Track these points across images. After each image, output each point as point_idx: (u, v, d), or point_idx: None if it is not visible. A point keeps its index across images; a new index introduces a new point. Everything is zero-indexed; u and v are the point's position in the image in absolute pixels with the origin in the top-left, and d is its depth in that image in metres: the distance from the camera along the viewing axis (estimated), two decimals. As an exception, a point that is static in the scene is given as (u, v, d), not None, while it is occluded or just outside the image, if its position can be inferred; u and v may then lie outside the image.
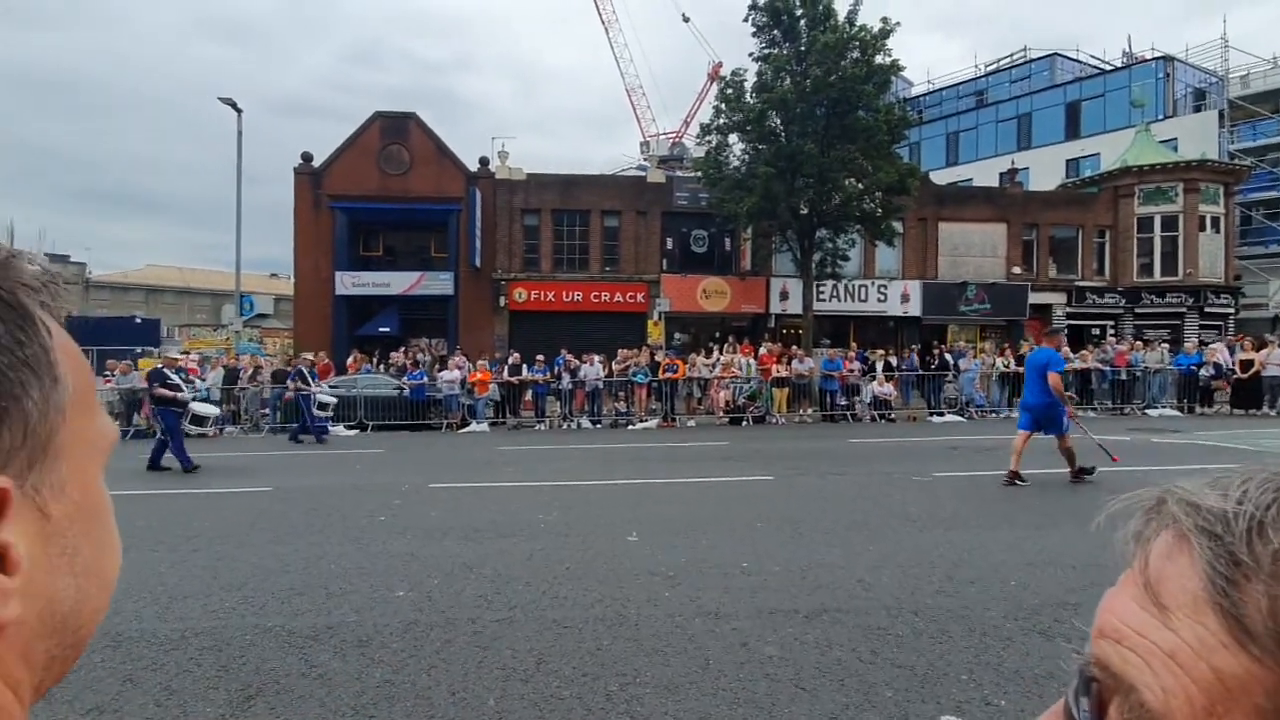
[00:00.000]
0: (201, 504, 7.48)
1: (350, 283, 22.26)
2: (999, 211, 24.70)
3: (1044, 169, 30.58)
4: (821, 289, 22.04)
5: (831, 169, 18.24)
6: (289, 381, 13.58)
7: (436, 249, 23.31)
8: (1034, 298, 24.24)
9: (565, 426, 15.07)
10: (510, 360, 15.88)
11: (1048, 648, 3.60)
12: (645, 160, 42.55)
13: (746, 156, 19.99)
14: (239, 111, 19.22)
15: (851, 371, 16.32)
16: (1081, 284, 24.88)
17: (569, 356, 15.70)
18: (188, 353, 20.36)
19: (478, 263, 22.17)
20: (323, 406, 13.45)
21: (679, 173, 31.38)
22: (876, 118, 18.39)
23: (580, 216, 23.17)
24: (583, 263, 23.18)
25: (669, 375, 15.30)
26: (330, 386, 15.27)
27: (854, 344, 21.00)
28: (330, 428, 13.62)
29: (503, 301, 22.48)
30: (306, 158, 22.56)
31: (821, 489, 8.03)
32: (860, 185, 19.26)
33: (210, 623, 4.21)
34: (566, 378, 15.27)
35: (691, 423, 15.22)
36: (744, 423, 15.21)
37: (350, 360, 17.37)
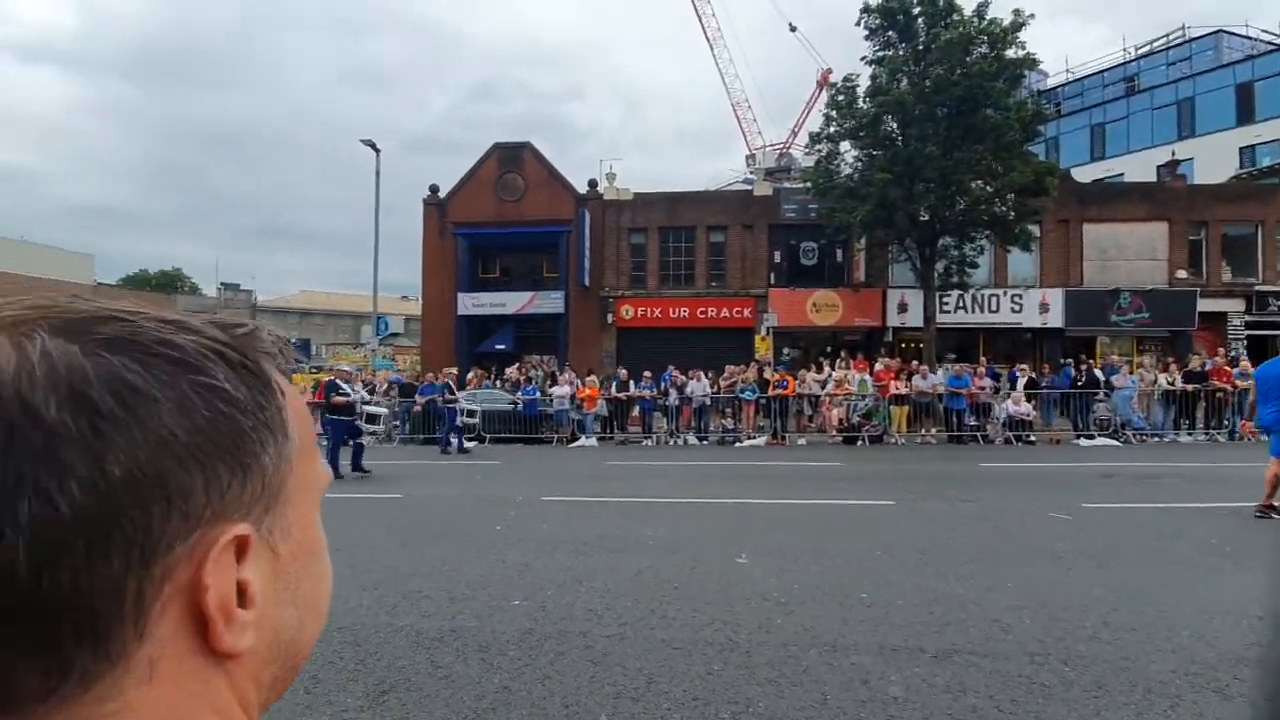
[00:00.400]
0: (341, 508, 8.20)
1: (470, 303, 23.76)
2: (1157, 209, 21.93)
3: (1211, 159, 26.91)
4: (945, 300, 20.64)
5: (955, 172, 17.11)
6: (439, 395, 14.36)
7: (548, 269, 24.36)
8: (1204, 305, 21.18)
9: (672, 442, 15.09)
10: (618, 376, 16.19)
11: (1225, 709, 3.09)
12: (751, 173, 42.15)
13: (859, 164, 19.25)
14: (377, 151, 21.23)
15: (982, 389, 15.07)
16: (1262, 288, 21.50)
17: (675, 373, 15.75)
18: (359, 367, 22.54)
19: (587, 281, 22.91)
20: (469, 415, 14.14)
21: (786, 184, 30.80)
22: (1007, 115, 17.07)
23: (686, 233, 23.33)
24: (688, 279, 23.28)
25: (779, 392, 14.92)
26: (445, 401, 16.32)
27: (983, 358, 19.43)
28: (454, 439, 14.30)
29: (610, 319, 23.03)
30: (433, 189, 24.47)
31: (949, 516, 7.43)
32: (989, 188, 17.90)
33: (349, 620, 4.57)
34: (673, 394, 15.32)
35: (802, 441, 14.72)
36: (859, 442, 14.49)
37: (470, 376, 18.47)
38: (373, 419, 11.11)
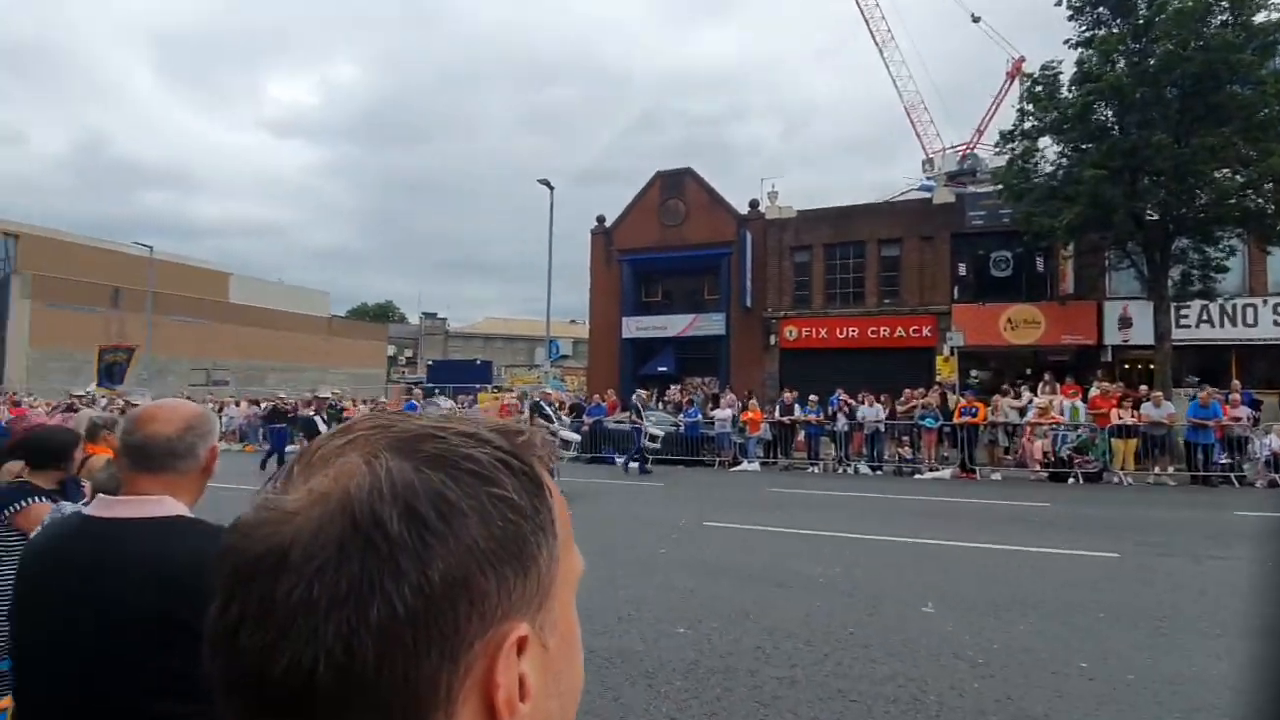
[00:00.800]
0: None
1: (634, 327, 24.62)
2: None
3: None
4: (1184, 312, 17.28)
5: (1194, 161, 14.31)
6: (627, 414, 14.66)
7: (709, 292, 24.49)
8: None
9: (841, 471, 14.20)
10: (783, 399, 15.66)
11: None
12: (929, 179, 39.04)
13: (1064, 160, 16.90)
14: (551, 189, 23.01)
15: (1236, 419, 12.29)
16: None
17: (845, 397, 14.86)
18: (536, 386, 24.53)
19: (748, 303, 22.64)
20: (653, 439, 14.03)
21: (972, 189, 28.04)
22: (1261, 89, 14.02)
23: (855, 249, 22.14)
24: (858, 297, 22.01)
25: (967, 419, 13.41)
26: (616, 422, 16.87)
27: (1236, 382, 15.89)
28: (635, 461, 14.22)
29: (773, 340, 22.48)
30: (600, 219, 25.88)
31: (1197, 577, 6.09)
32: (1239, 177, 14.76)
33: (526, 630, 4.83)
34: (842, 419, 14.44)
35: (996, 475, 13.05)
36: (1070, 480, 12.50)
37: (635, 397, 19.02)
38: (566, 444, 11.33)
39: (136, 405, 5.27)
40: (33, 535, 1.53)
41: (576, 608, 0.45)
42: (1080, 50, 16.24)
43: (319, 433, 6.81)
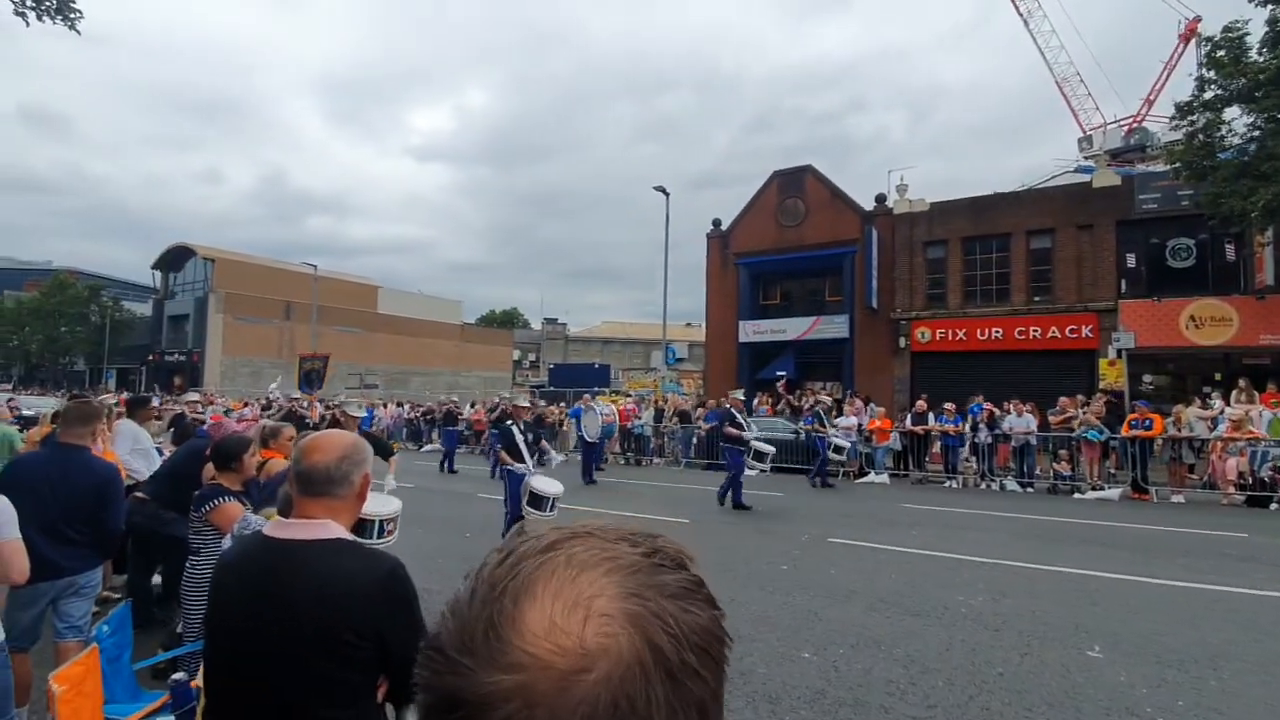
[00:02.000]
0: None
1: (751, 330, 24.12)
2: None
3: None
4: None
5: None
6: (809, 424, 13.62)
7: (831, 293, 23.44)
8: None
9: (984, 487, 12.94)
10: (915, 407, 14.58)
11: None
12: (1086, 160, 34.89)
13: (1256, 133, 14.38)
14: (667, 195, 23.14)
15: None
16: None
17: (987, 405, 13.55)
18: (650, 390, 24.89)
19: (874, 304, 21.40)
20: (838, 450, 12.88)
21: (1141, 169, 24.70)
22: None
23: (998, 242, 20.17)
24: (1002, 294, 20.04)
25: (1138, 433, 11.72)
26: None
27: None
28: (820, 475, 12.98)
29: (903, 343, 21.07)
30: (716, 223, 25.64)
31: None
32: None
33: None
34: (984, 429, 13.17)
35: (1178, 498, 11.28)
36: (1272, 505, 10.54)
37: (756, 402, 18.62)
38: (760, 456, 10.33)
39: (354, 415, 5.91)
40: (224, 548, 1.72)
41: None
42: (1272, 8, 13.76)
43: (515, 443, 7.29)
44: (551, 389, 34.21)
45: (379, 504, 4.64)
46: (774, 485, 13.05)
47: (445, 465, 15.22)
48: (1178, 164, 15.59)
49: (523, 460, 7.28)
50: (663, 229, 23.37)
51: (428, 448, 20.53)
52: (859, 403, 14.43)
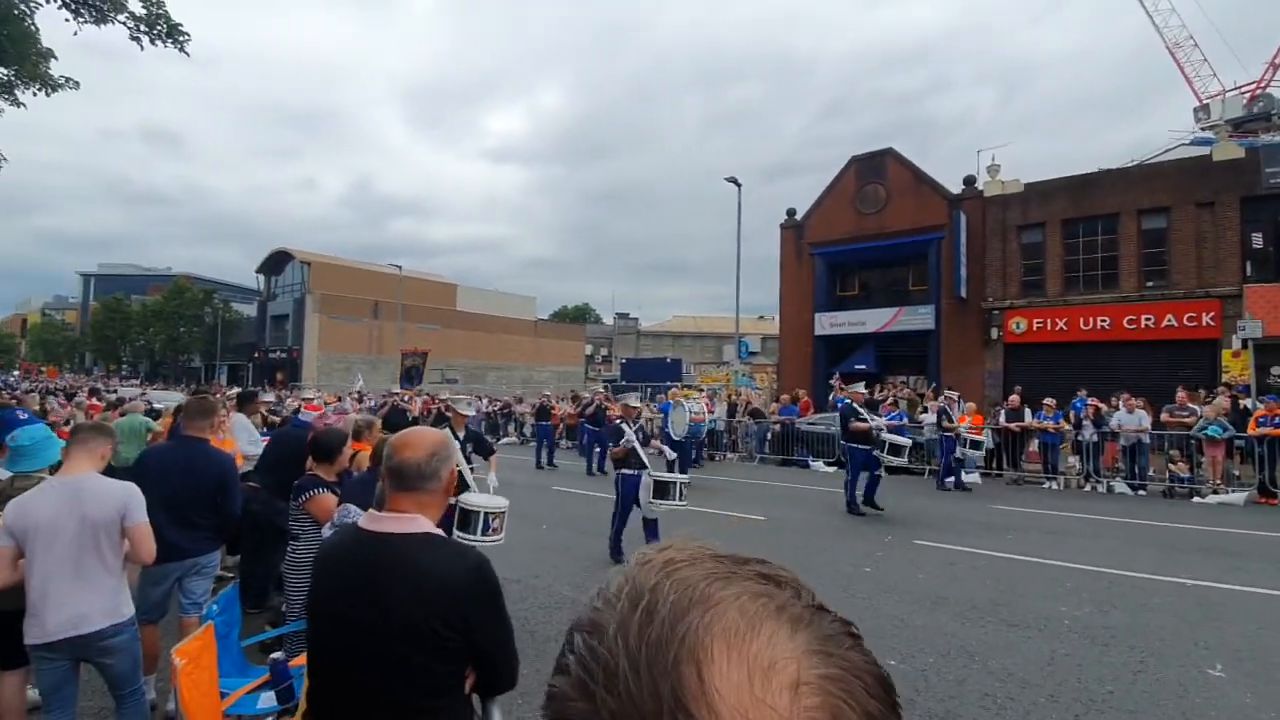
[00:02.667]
0: (704, 524, 8.72)
1: (828, 323, 23.36)
2: None
3: None
4: None
5: None
6: (939, 419, 12.35)
7: (915, 282, 22.33)
8: None
9: (1089, 489, 11.97)
10: (1008, 402, 13.67)
11: None
12: (1203, 130, 31.63)
13: None
14: (739, 186, 22.70)
15: None
16: None
17: (1092, 401, 12.53)
18: (722, 385, 24.70)
19: (963, 293, 20.23)
20: (975, 446, 11.94)
21: (1267, 139, 22.15)
22: None
23: (1104, 223, 18.58)
24: (1109, 280, 18.46)
25: (1267, 430, 10.50)
26: (809, 424, 16.09)
27: None
28: (951, 477, 11.97)
29: (995, 334, 19.81)
30: (790, 213, 24.97)
31: None
32: None
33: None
34: (1089, 427, 12.18)
35: (1318, 504, 10.06)
36: None
37: (831, 396, 18.05)
38: (896, 450, 9.49)
39: (462, 414, 6.19)
40: (324, 538, 1.81)
41: None
42: None
43: (630, 445, 6.75)
44: (624, 383, 34.49)
45: (485, 499, 4.65)
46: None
47: (543, 459, 14.97)
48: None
49: (640, 463, 6.80)
50: (735, 221, 23.00)
51: (505, 440, 21.14)
52: (945, 397, 13.46)
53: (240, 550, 5.52)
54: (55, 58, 9.96)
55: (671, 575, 0.43)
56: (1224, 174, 17.00)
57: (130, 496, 2.82)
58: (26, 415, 5.59)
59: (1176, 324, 17.10)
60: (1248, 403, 12.48)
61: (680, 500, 6.48)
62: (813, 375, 22.86)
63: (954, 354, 20.34)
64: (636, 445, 6.86)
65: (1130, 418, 11.87)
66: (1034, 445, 13.15)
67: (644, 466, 6.77)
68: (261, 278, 50.39)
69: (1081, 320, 18.42)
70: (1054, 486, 12.26)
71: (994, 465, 13.36)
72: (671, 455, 8.13)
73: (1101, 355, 17.77)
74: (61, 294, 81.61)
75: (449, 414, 8.19)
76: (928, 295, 21.34)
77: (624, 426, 6.97)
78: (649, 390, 26.87)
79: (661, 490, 6.51)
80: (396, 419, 12.23)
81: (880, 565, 6.63)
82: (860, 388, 10.36)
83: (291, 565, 3.59)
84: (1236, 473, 11.26)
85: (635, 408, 7.61)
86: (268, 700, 2.50)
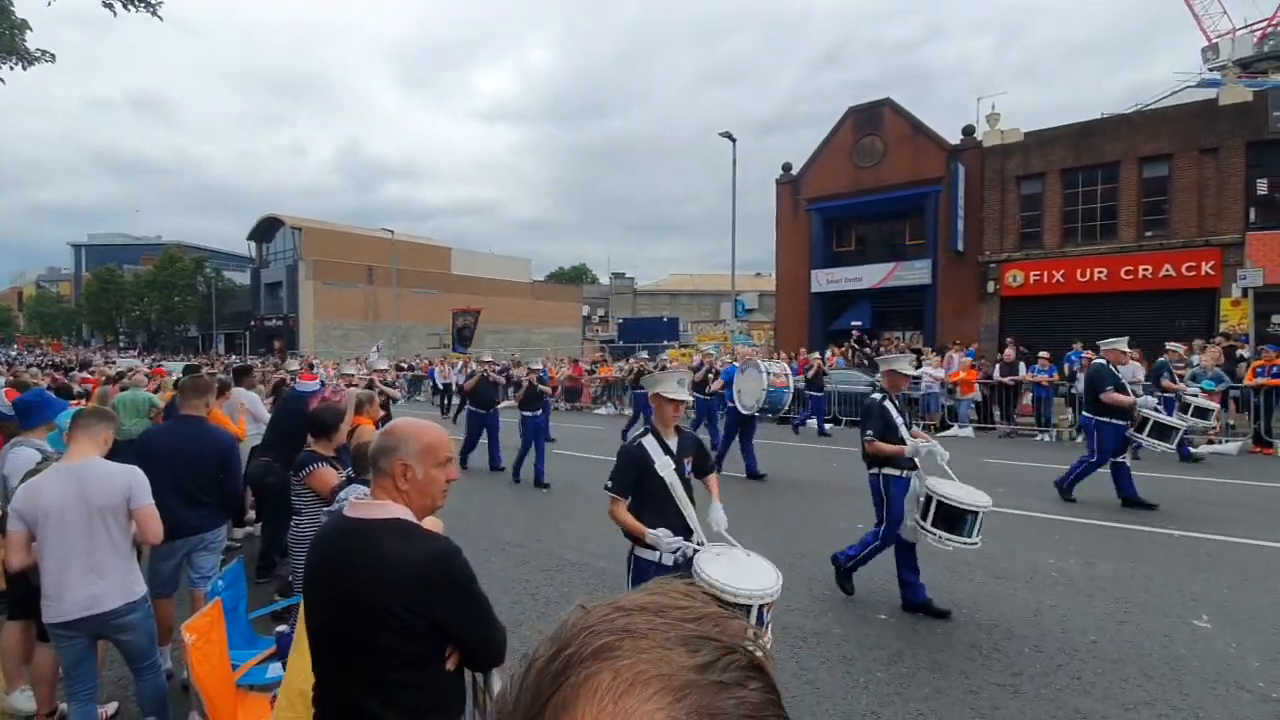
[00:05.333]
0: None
1: (824, 279, 23.26)
2: None
3: None
4: None
5: None
6: (1161, 379, 9.71)
7: (911, 236, 22.14)
8: None
9: (1081, 441, 12.17)
10: (1004, 355, 13.75)
11: None
12: (1211, 71, 30.81)
13: None
14: (733, 141, 22.27)
15: None
16: None
17: (1087, 353, 12.60)
18: (719, 344, 24.71)
19: (960, 246, 20.08)
20: (1202, 414, 8.84)
21: (1277, 80, 21.62)
22: None
23: (1104, 172, 18.31)
24: (1107, 230, 18.31)
25: (1264, 380, 10.61)
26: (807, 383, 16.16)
27: None
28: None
29: (992, 287, 19.76)
30: (786, 168, 24.56)
31: None
32: None
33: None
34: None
35: (1306, 451, 10.25)
36: None
37: (829, 355, 18.13)
38: (1202, 412, 7.79)
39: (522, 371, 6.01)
40: (324, 521, 1.89)
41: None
42: None
43: (896, 431, 4.53)
44: (621, 344, 34.54)
45: (968, 493, 4.27)
46: (849, 440, 12.76)
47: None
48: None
49: (910, 463, 4.70)
50: (730, 177, 22.65)
51: (505, 404, 21.19)
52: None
53: (263, 521, 5.70)
54: (30, 29, 9.66)
55: (600, 622, 0.44)
56: (1230, 118, 16.67)
57: (134, 479, 2.88)
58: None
59: (1175, 274, 17.04)
60: (1244, 352, 12.55)
61: (974, 539, 4.38)
62: (809, 332, 22.90)
63: (950, 308, 20.33)
64: (906, 436, 4.69)
65: (1126, 370, 11.93)
66: (1027, 399, 13.29)
67: (913, 467, 4.71)
68: (252, 245, 49.85)
69: (1079, 272, 18.35)
70: (1046, 439, 12.45)
71: (985, 418, 13.52)
72: (936, 448, 4.65)
73: (1098, 307, 17.77)
74: (54, 266, 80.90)
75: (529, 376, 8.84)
76: (924, 249, 21.21)
77: (887, 405, 4.79)
78: (636, 348, 26.87)
79: (950, 520, 4.38)
80: (487, 392, 10.09)
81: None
82: (1122, 344, 7.70)
83: (295, 539, 3.69)
84: (1232, 422, 11.41)
85: (905, 376, 5.03)
86: (276, 670, 2.62)
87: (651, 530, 3.09)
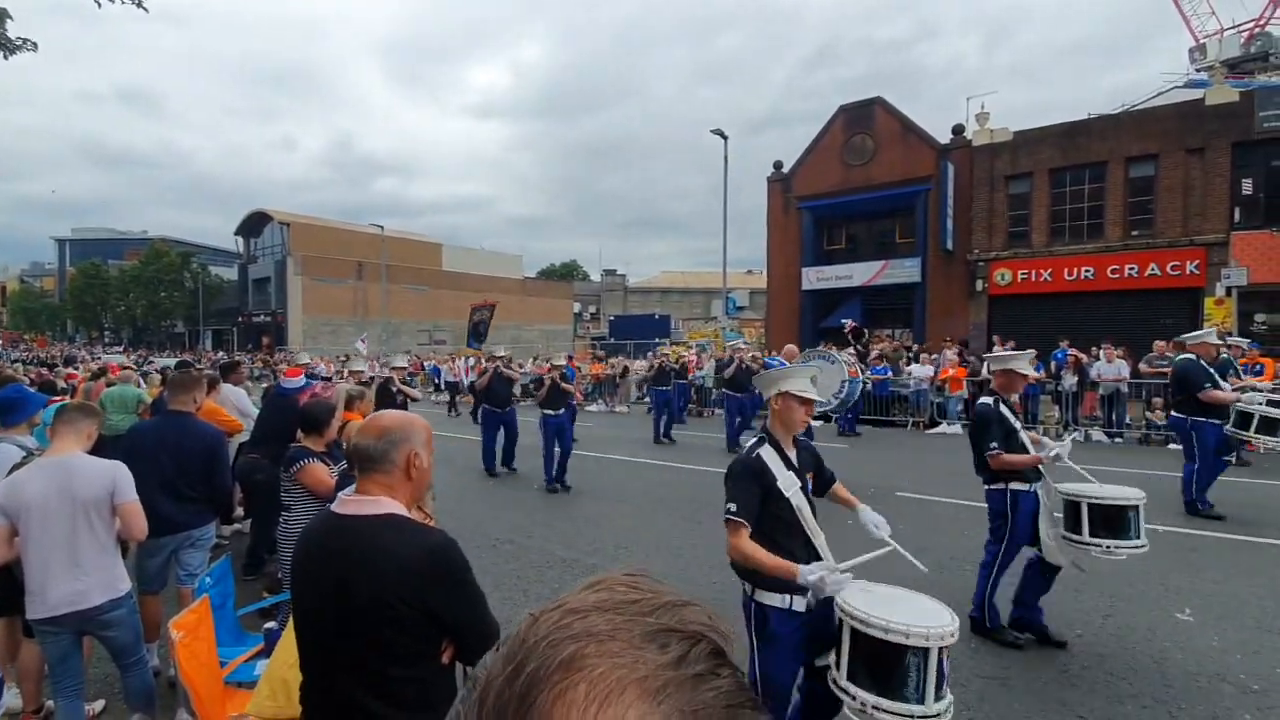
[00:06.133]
0: (694, 480, 8.90)
1: (815, 278, 23.34)
2: None
3: None
4: None
5: None
6: (1228, 376, 7.57)
7: (901, 234, 22.25)
8: None
9: (1067, 438, 12.28)
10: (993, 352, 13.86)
11: None
12: (1199, 72, 31.16)
13: None
14: (725, 138, 22.28)
15: None
16: None
17: (1073, 351, 12.74)
18: (709, 341, 24.75)
19: (949, 245, 20.20)
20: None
21: (1263, 80, 21.91)
22: None
23: (1091, 171, 18.47)
24: (1094, 230, 18.48)
25: (1245, 379, 10.74)
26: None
27: None
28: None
29: (980, 286, 19.90)
30: (777, 165, 24.60)
31: None
32: None
33: (714, 593, 4.92)
34: (1069, 376, 12.43)
35: (1287, 447, 10.39)
36: None
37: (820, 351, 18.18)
38: (1274, 426, 6.23)
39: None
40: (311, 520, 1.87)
41: None
42: None
43: (1015, 437, 3.79)
44: (612, 341, 34.53)
45: (1119, 490, 3.92)
46: (841, 438, 12.85)
47: (661, 432, 12.57)
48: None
49: (1037, 474, 4.13)
50: (721, 175, 22.66)
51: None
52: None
53: (252, 517, 5.66)
54: (11, 18, 9.48)
55: (556, 630, 0.41)
56: (1217, 119, 16.85)
57: (118, 474, 2.85)
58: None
59: (1160, 273, 17.24)
60: (1226, 353, 12.70)
61: (1139, 543, 3.88)
62: (800, 330, 22.98)
63: (939, 307, 20.46)
64: (1027, 442, 4.15)
65: (1110, 367, 12.10)
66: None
67: (1039, 477, 4.15)
68: (240, 240, 49.35)
69: (1066, 271, 18.52)
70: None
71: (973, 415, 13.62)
72: (1064, 448, 4.16)
73: (1084, 306, 17.95)
74: (38, 260, 79.75)
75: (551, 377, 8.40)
76: (914, 248, 21.31)
77: (1002, 410, 4.23)
78: (631, 347, 26.87)
79: (1110, 521, 3.88)
80: (502, 390, 9.64)
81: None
82: (1212, 337, 7.09)
83: (284, 535, 3.67)
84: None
85: (1023, 376, 4.39)
86: (264, 667, 2.61)
87: (804, 565, 2.37)
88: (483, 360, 17.98)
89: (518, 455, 9.73)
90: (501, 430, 9.49)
